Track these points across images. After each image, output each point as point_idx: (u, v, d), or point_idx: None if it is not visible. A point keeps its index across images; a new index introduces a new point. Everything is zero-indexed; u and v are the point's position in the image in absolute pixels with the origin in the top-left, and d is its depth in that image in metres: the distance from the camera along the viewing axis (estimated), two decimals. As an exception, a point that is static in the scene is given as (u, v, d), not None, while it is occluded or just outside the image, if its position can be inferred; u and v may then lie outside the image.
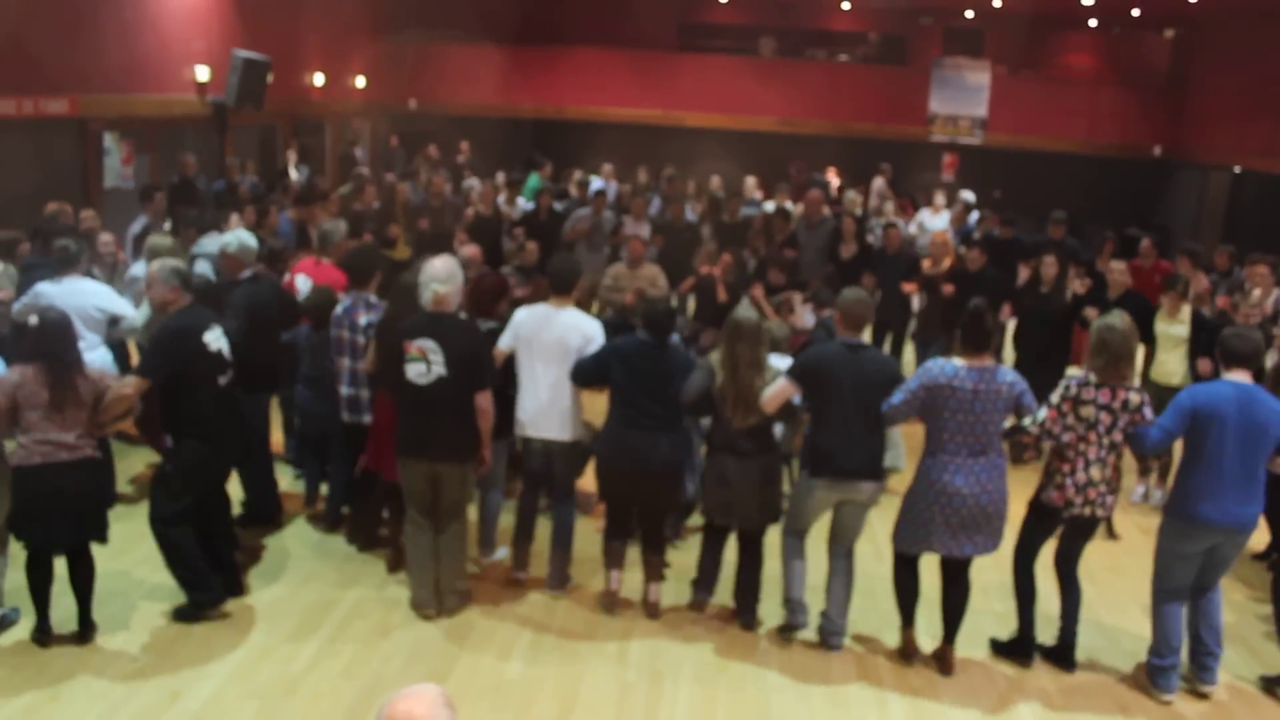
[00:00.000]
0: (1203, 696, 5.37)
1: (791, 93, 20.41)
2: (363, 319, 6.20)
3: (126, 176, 12.27)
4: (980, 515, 5.20)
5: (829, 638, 5.68)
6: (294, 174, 13.98)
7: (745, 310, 5.63)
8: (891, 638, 5.75)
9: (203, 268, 7.59)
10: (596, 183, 13.98)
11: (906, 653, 5.60)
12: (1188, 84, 19.76)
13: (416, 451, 5.55)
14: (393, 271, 6.68)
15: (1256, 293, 8.13)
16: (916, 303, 10.25)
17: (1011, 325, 9.43)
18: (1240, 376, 5.18)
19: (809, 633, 5.77)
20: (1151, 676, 5.39)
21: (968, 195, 14.70)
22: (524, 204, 12.39)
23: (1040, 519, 5.49)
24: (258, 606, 5.79)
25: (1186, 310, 7.95)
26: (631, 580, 6.11)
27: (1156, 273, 10.38)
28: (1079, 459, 5.25)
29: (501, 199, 12.14)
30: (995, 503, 5.22)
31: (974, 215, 13.43)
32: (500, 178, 13.39)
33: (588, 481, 6.32)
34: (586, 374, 5.76)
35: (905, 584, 5.56)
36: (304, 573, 6.20)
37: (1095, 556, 6.35)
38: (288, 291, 7.11)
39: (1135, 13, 19.22)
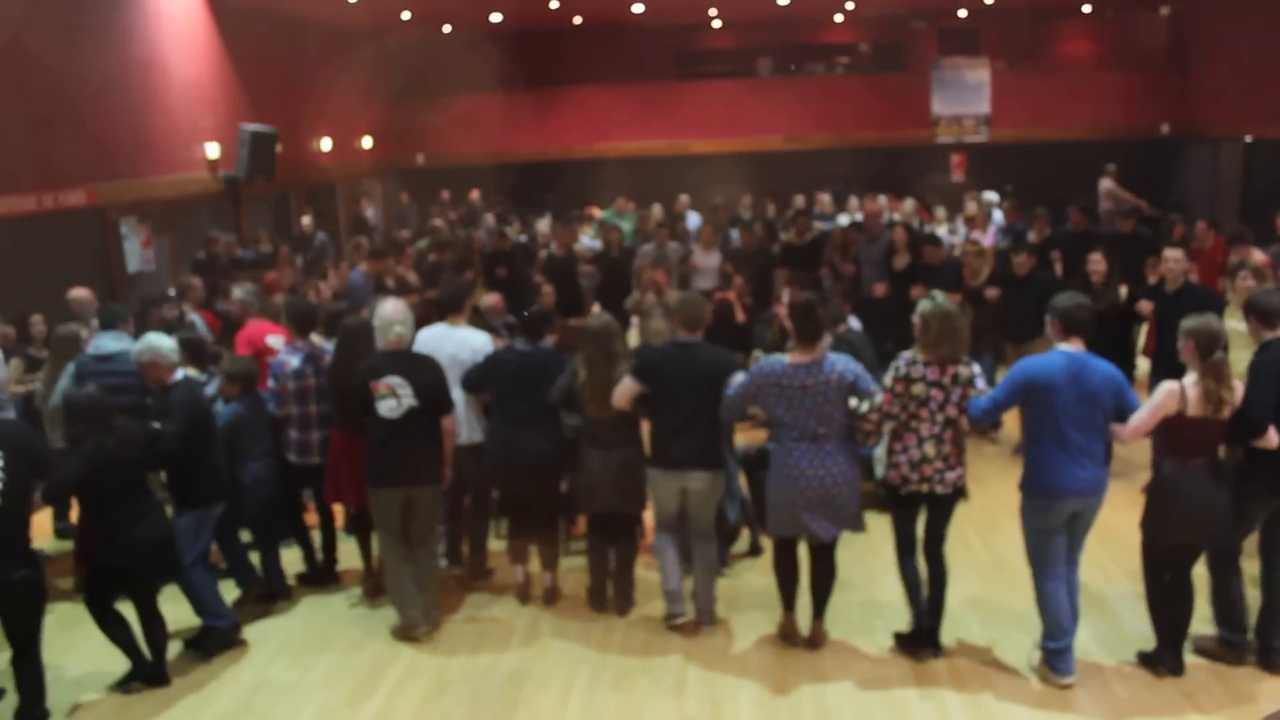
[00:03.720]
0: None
1: (794, 109, 20.49)
2: (329, 362, 6.58)
3: (148, 259, 12.44)
4: (825, 496, 5.43)
5: (699, 615, 6.04)
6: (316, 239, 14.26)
7: (594, 317, 6.29)
8: (946, 643, 5.74)
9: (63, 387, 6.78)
10: (693, 218, 14.06)
11: (784, 634, 5.85)
12: (1189, 59, 19.69)
13: (392, 480, 5.92)
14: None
15: None
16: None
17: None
18: (1075, 345, 5.22)
19: (870, 643, 5.76)
20: (1048, 661, 5.39)
21: (991, 195, 14.43)
22: (589, 241, 12.47)
23: (894, 502, 5.61)
24: (314, 671, 5.83)
25: None
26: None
27: (1218, 252, 9.88)
28: (911, 435, 5.36)
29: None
30: (839, 484, 5.43)
31: (997, 215, 13.18)
32: (572, 215, 13.66)
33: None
34: (473, 381, 6.36)
35: (782, 569, 5.78)
36: (355, 636, 6.23)
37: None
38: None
39: (1128, -6, 19.22)
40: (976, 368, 5.43)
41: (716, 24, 21.76)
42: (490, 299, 8.13)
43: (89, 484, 5.37)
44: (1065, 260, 10.50)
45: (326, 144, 17.78)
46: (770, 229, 12.23)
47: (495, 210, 16.18)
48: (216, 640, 6.03)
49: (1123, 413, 5.19)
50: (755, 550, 6.97)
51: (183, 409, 5.81)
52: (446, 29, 19.82)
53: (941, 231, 13.13)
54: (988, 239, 11.97)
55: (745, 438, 7.55)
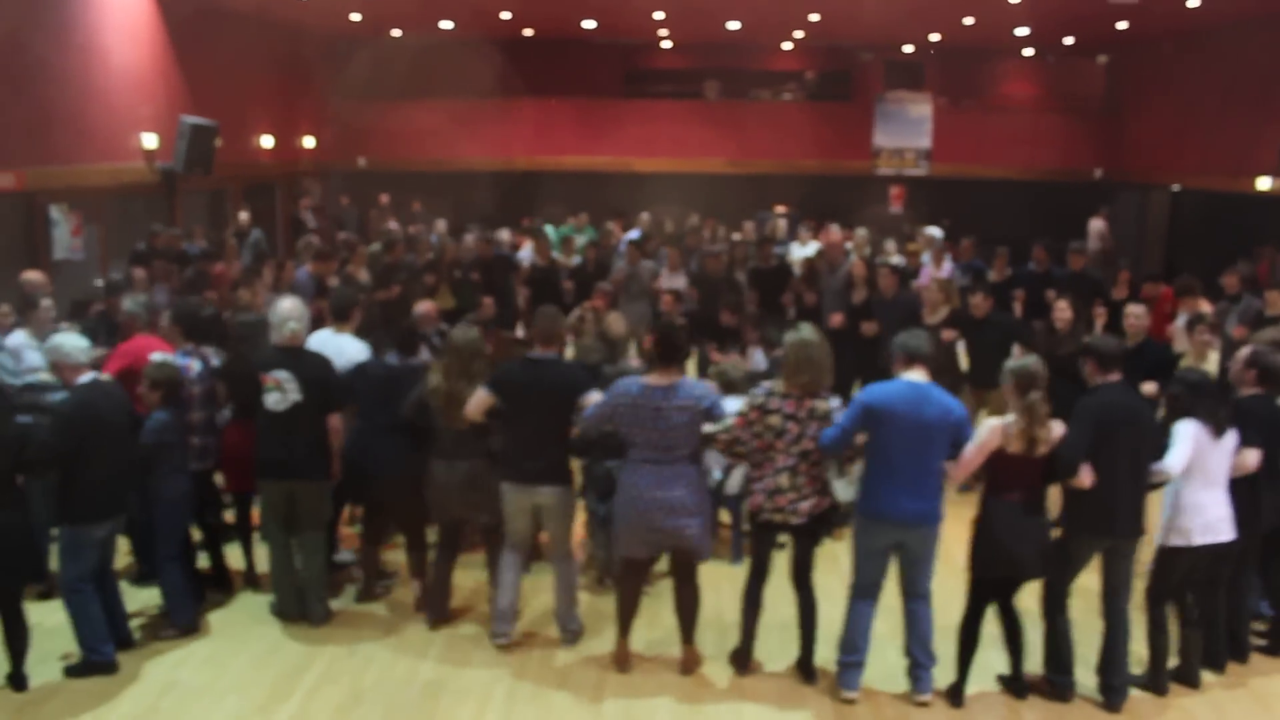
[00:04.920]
0: (922, 704, 5.48)
1: (738, 133, 20.65)
2: (215, 362, 6.68)
3: (76, 248, 12.16)
4: (669, 514, 5.45)
5: (563, 634, 6.12)
6: (237, 239, 14.01)
7: (460, 330, 6.31)
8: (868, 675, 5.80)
9: None
10: (633, 233, 14.06)
11: (615, 659, 5.85)
12: (1123, 107, 20.25)
13: (275, 473, 6.11)
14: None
15: None
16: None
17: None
18: (917, 375, 5.35)
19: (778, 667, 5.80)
20: (838, 674, 5.56)
21: (934, 231, 14.39)
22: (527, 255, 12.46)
23: (754, 528, 5.70)
24: (227, 675, 5.73)
25: (1214, 358, 7.32)
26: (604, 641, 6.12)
27: (1165, 302, 9.74)
28: (768, 465, 5.47)
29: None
30: (683, 505, 5.46)
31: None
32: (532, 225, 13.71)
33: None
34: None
35: (623, 592, 5.82)
36: (270, 639, 6.14)
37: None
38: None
39: (1068, 40, 19.69)
40: (835, 403, 5.48)
41: (666, 44, 21.90)
42: (423, 306, 8.05)
43: None
44: (1027, 301, 10.23)
45: (267, 141, 17.56)
46: (746, 251, 12.19)
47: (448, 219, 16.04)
48: (91, 671, 5.66)
49: (960, 449, 5.31)
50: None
51: (64, 417, 5.51)
52: (396, 33, 19.70)
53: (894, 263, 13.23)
54: (943, 275, 12.00)
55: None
